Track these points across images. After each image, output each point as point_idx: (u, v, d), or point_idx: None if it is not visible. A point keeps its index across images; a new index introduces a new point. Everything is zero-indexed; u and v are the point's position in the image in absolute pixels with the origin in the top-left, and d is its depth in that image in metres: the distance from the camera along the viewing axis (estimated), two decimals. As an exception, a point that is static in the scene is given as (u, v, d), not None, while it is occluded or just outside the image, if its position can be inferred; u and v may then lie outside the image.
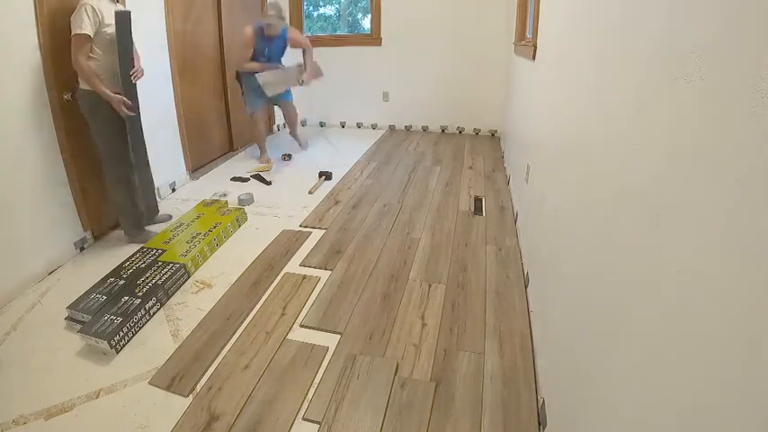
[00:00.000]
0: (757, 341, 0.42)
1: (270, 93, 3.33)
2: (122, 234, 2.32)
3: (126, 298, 1.71)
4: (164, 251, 2.07)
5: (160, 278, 1.85)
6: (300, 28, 4.76)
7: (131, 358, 1.52)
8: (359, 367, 1.44)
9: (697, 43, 0.59)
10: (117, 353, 1.53)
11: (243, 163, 3.67)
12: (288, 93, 3.67)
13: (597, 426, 0.83)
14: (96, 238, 2.32)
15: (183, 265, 1.96)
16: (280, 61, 3.56)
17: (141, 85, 2.59)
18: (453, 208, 2.72)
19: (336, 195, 2.94)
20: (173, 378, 1.42)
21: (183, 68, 3.10)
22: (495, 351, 1.52)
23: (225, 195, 2.92)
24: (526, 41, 2.82)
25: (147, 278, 1.85)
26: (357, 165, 3.61)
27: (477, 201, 2.83)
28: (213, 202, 2.64)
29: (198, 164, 3.39)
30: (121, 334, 1.56)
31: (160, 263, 1.97)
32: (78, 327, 1.61)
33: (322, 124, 5.06)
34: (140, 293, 1.75)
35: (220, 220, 2.40)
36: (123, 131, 2.11)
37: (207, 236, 2.22)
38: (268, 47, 3.40)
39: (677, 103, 0.63)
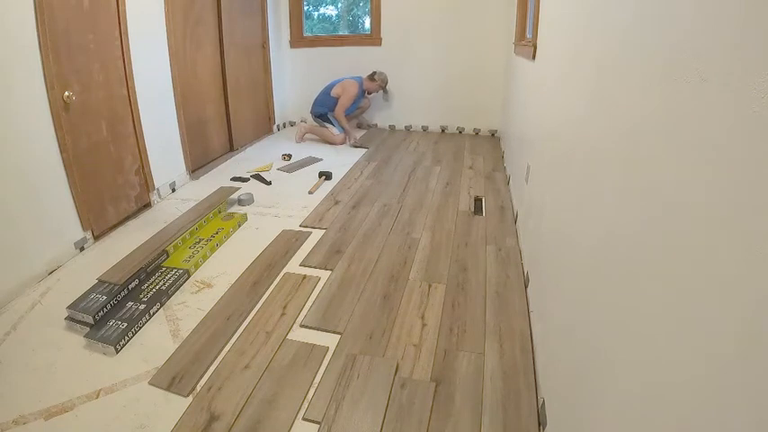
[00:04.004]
0: (758, 340, 0.42)
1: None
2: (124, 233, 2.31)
3: (130, 303, 1.74)
4: (167, 256, 2.07)
5: (164, 284, 1.87)
6: (300, 28, 4.77)
7: (131, 358, 1.52)
8: (359, 367, 1.44)
9: (697, 44, 0.59)
10: (117, 353, 1.53)
11: (243, 163, 3.67)
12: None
13: (597, 425, 0.83)
14: (96, 238, 2.31)
15: (187, 271, 1.98)
16: (352, 111, 4.43)
17: (142, 86, 2.61)
18: (453, 208, 2.72)
19: (336, 195, 2.94)
20: (173, 378, 1.42)
21: (184, 69, 3.10)
22: (495, 351, 1.52)
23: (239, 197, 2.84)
24: (526, 41, 2.82)
25: (151, 284, 1.87)
26: (357, 165, 3.61)
27: (477, 201, 2.83)
28: (230, 215, 2.55)
29: (198, 164, 3.39)
30: (126, 339, 1.58)
31: (164, 268, 1.98)
32: (78, 326, 1.62)
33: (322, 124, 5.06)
34: (145, 299, 1.76)
35: (223, 225, 2.41)
36: None
37: (210, 241, 2.23)
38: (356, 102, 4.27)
39: (678, 102, 0.63)
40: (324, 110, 4.20)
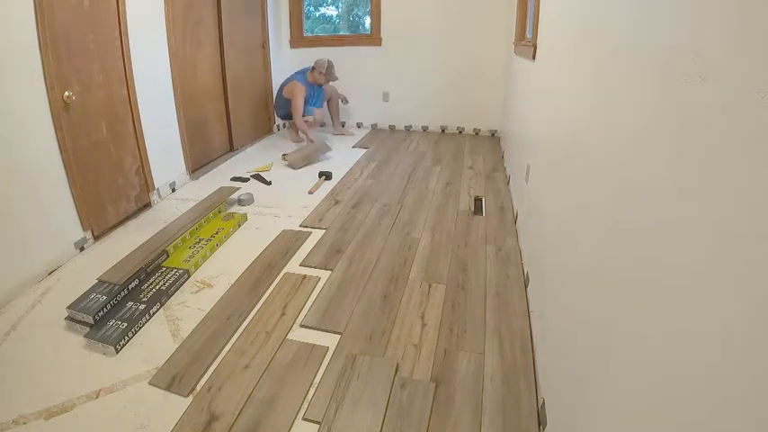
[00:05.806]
0: (759, 341, 0.42)
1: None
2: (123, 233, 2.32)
3: (130, 303, 1.74)
4: (167, 256, 2.07)
5: (164, 284, 1.87)
6: (300, 28, 4.77)
7: (131, 358, 1.52)
8: (359, 367, 1.44)
9: (697, 44, 0.59)
10: (117, 353, 1.53)
11: (243, 163, 3.67)
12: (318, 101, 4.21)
13: (597, 425, 0.83)
14: (96, 238, 2.31)
15: (187, 271, 1.98)
16: (321, 105, 4.25)
17: (142, 86, 2.61)
18: (453, 208, 2.72)
19: (336, 195, 2.94)
20: (173, 378, 1.42)
21: (184, 69, 3.10)
22: (495, 351, 1.52)
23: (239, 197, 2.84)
24: (526, 41, 2.82)
25: (151, 284, 1.87)
26: (357, 165, 3.61)
27: (477, 201, 2.83)
28: (230, 216, 2.55)
29: (198, 164, 3.39)
30: (126, 339, 1.59)
31: (164, 268, 1.99)
32: (78, 326, 1.62)
33: (322, 124, 5.05)
34: (145, 299, 1.77)
35: (223, 225, 2.41)
36: None
37: (210, 241, 2.23)
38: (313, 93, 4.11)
39: (678, 102, 0.63)
40: (286, 111, 4.13)
